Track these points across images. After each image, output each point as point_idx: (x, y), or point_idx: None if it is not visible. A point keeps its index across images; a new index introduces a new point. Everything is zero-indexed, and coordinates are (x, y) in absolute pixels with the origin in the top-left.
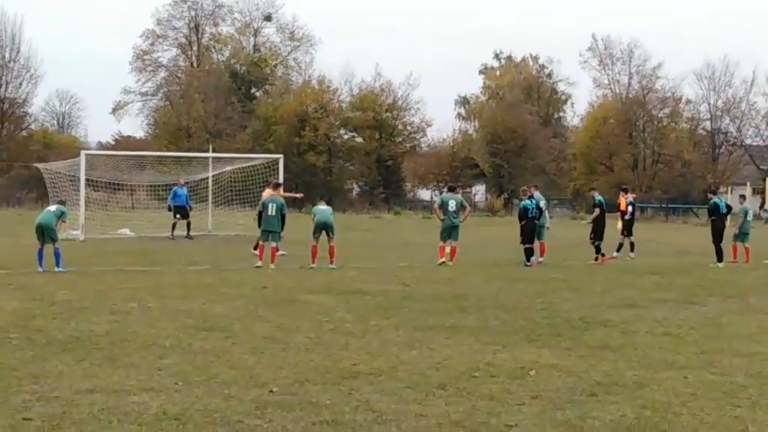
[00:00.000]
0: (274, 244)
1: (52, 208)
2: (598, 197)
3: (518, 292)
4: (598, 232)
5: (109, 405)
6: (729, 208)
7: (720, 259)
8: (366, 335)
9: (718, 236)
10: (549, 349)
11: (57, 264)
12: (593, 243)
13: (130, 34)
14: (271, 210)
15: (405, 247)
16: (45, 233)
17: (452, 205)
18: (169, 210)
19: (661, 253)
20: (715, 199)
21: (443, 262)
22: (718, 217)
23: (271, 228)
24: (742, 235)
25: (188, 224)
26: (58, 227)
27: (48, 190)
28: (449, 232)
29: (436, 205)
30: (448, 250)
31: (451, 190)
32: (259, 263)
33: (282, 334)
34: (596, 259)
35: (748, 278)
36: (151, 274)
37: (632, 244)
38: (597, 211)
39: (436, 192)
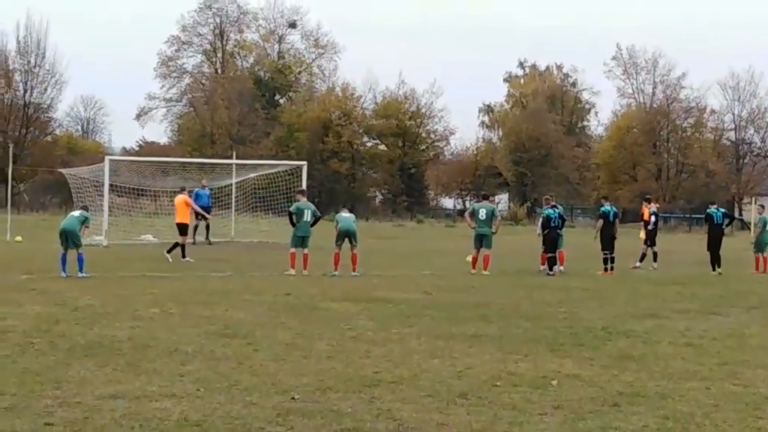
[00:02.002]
0: (306, 251)
1: (76, 213)
2: (604, 207)
3: (540, 301)
4: (604, 242)
5: (131, 411)
6: (731, 218)
7: (715, 266)
8: (388, 343)
9: (708, 245)
10: (571, 359)
11: (80, 269)
12: (603, 253)
13: (155, 41)
14: (307, 216)
15: (427, 256)
16: (68, 238)
17: (482, 214)
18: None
19: (683, 263)
20: (711, 209)
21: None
22: (711, 227)
23: (305, 234)
24: (760, 245)
25: (207, 227)
26: (82, 233)
27: (72, 195)
28: (480, 240)
29: (467, 213)
30: (480, 260)
31: (485, 198)
32: (292, 271)
33: (304, 342)
34: (605, 269)
35: None
36: (173, 280)
37: (655, 254)
38: (600, 222)
39: (459, 200)
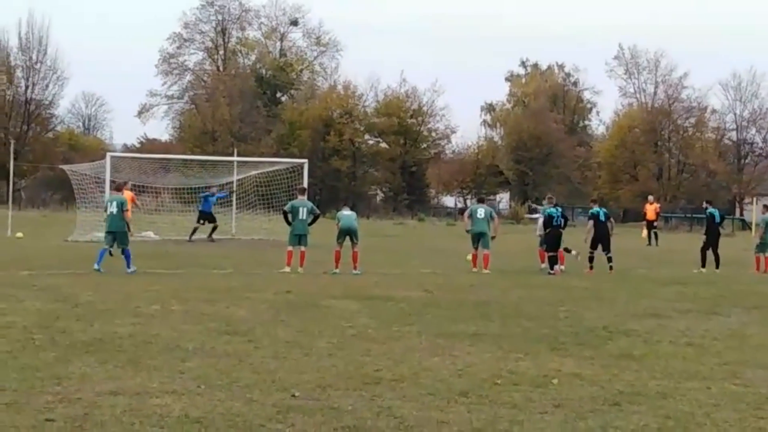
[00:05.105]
0: (303, 249)
1: (114, 209)
2: (593, 209)
3: (541, 300)
4: (594, 241)
5: (132, 407)
6: (723, 218)
7: (705, 264)
8: (388, 341)
9: (709, 244)
10: (572, 358)
11: (128, 265)
12: (589, 252)
13: (157, 38)
14: (302, 214)
15: (428, 254)
16: (116, 238)
17: (480, 213)
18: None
19: (684, 263)
20: (711, 209)
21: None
22: (712, 227)
23: (302, 232)
24: (763, 246)
25: (213, 228)
26: (126, 217)
27: (74, 191)
28: (478, 239)
29: (465, 215)
30: (480, 259)
31: (481, 201)
32: (287, 269)
33: (304, 339)
34: (590, 268)
35: None
36: (174, 277)
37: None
38: (590, 223)
39: (460, 198)
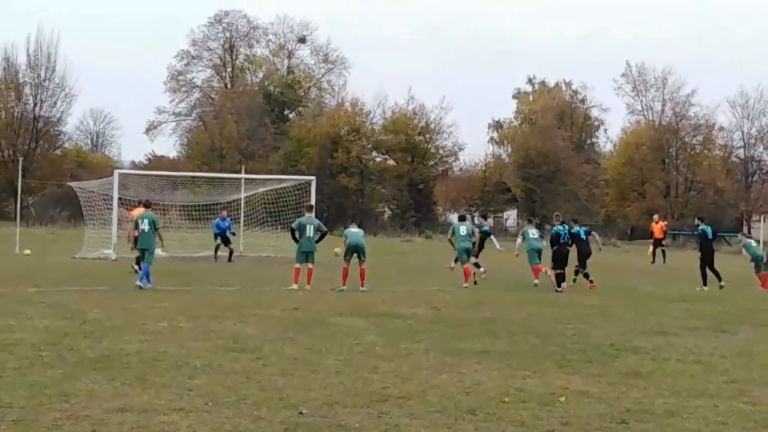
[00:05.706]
0: (311, 266)
1: (146, 227)
2: (575, 228)
3: (548, 317)
4: (579, 259)
5: (139, 424)
6: (715, 234)
7: (706, 281)
8: (396, 359)
9: (705, 261)
10: (579, 376)
11: (140, 279)
12: (582, 272)
13: (165, 55)
14: (309, 231)
15: (436, 271)
16: (145, 253)
17: (463, 230)
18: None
19: (692, 280)
20: (702, 226)
21: (475, 281)
22: (705, 243)
23: (309, 249)
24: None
25: (230, 252)
26: (156, 237)
27: (82, 208)
28: (466, 253)
29: (449, 233)
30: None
31: (462, 219)
32: (294, 286)
33: (312, 356)
34: (591, 282)
35: None
36: (182, 294)
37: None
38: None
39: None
